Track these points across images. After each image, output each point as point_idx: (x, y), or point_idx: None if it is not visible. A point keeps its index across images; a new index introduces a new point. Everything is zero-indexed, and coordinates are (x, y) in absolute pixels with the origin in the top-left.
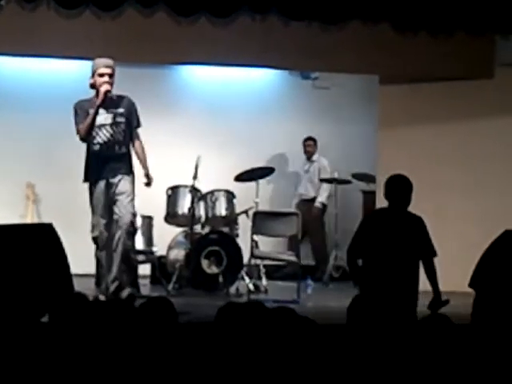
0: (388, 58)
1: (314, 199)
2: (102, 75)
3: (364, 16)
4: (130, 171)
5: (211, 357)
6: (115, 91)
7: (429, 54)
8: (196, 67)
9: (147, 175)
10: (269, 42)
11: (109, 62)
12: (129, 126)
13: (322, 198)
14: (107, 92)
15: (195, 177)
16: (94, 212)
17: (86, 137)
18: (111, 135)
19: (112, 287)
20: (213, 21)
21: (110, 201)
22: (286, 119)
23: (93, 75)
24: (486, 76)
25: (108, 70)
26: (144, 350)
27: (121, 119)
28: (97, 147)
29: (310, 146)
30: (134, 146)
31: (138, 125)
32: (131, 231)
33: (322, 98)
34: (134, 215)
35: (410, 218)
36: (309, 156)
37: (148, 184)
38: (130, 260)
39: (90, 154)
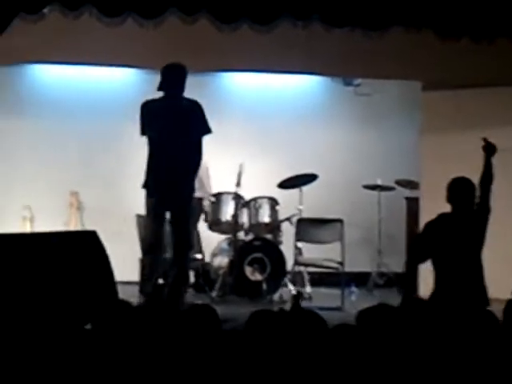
0: (430, 64)
1: None
2: None
3: (406, 23)
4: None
5: (255, 363)
6: None
7: (471, 60)
8: (238, 74)
9: None
10: (311, 48)
11: None
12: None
13: None
14: None
15: (238, 184)
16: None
17: None
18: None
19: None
20: (255, 28)
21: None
22: (329, 125)
23: None
24: None
25: None
26: (187, 357)
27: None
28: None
29: None
30: None
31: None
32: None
33: (364, 104)
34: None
35: (474, 219)
36: None
37: None
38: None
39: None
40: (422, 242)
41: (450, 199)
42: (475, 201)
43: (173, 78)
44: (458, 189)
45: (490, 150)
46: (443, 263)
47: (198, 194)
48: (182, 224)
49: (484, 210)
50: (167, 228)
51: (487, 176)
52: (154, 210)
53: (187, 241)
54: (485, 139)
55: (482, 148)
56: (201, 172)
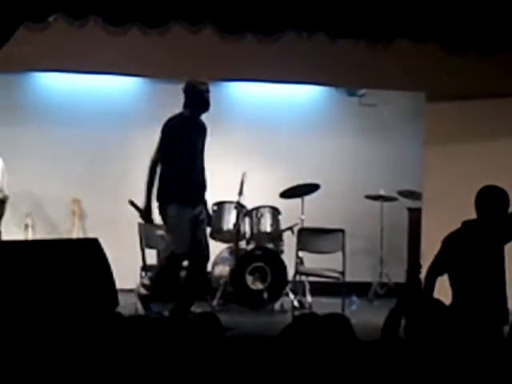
0: (435, 75)
1: None
2: (207, 91)
3: (411, 34)
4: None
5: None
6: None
7: (476, 71)
8: (241, 83)
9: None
10: (315, 59)
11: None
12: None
13: None
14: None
15: (241, 193)
16: (178, 233)
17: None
18: (202, 161)
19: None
20: (259, 38)
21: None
22: (332, 135)
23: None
24: None
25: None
26: (190, 366)
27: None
28: (193, 172)
29: None
30: None
31: None
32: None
33: (368, 114)
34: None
35: (501, 230)
36: None
37: None
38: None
39: (183, 176)
40: (444, 253)
41: (477, 209)
42: (507, 210)
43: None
44: (485, 197)
45: None
46: (463, 275)
47: None
48: (204, 236)
49: None
50: None
51: None
52: (187, 221)
53: (207, 252)
54: None
55: None
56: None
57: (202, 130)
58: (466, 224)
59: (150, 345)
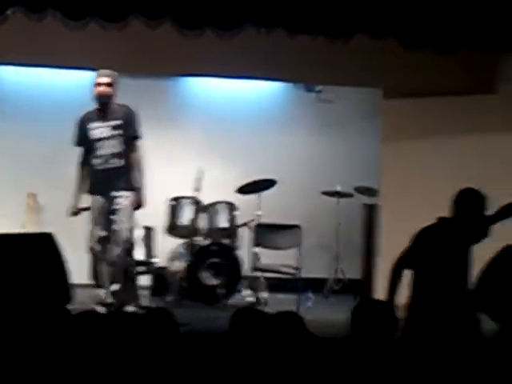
0: (392, 71)
1: None
2: (98, 85)
3: (369, 31)
4: (130, 186)
5: (213, 367)
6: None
7: (433, 68)
8: (199, 79)
9: (139, 197)
10: (274, 54)
11: (106, 71)
12: (127, 138)
13: None
14: (100, 96)
15: (197, 188)
16: (92, 223)
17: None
18: (109, 148)
19: (114, 301)
20: (218, 33)
21: (109, 215)
22: (290, 131)
23: (94, 86)
24: (490, 91)
25: (103, 80)
26: (144, 361)
27: (118, 131)
28: (96, 161)
29: None
30: (128, 158)
31: (135, 136)
32: (128, 248)
33: (326, 110)
34: (131, 231)
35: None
36: None
37: (138, 207)
38: (128, 275)
39: (90, 166)
40: (416, 246)
41: (455, 208)
42: (483, 213)
43: None
44: (465, 199)
45: None
46: (430, 271)
47: None
48: (122, 224)
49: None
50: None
51: None
52: (96, 215)
53: (121, 242)
54: None
55: None
56: None
57: (111, 115)
58: (441, 221)
59: (101, 341)
